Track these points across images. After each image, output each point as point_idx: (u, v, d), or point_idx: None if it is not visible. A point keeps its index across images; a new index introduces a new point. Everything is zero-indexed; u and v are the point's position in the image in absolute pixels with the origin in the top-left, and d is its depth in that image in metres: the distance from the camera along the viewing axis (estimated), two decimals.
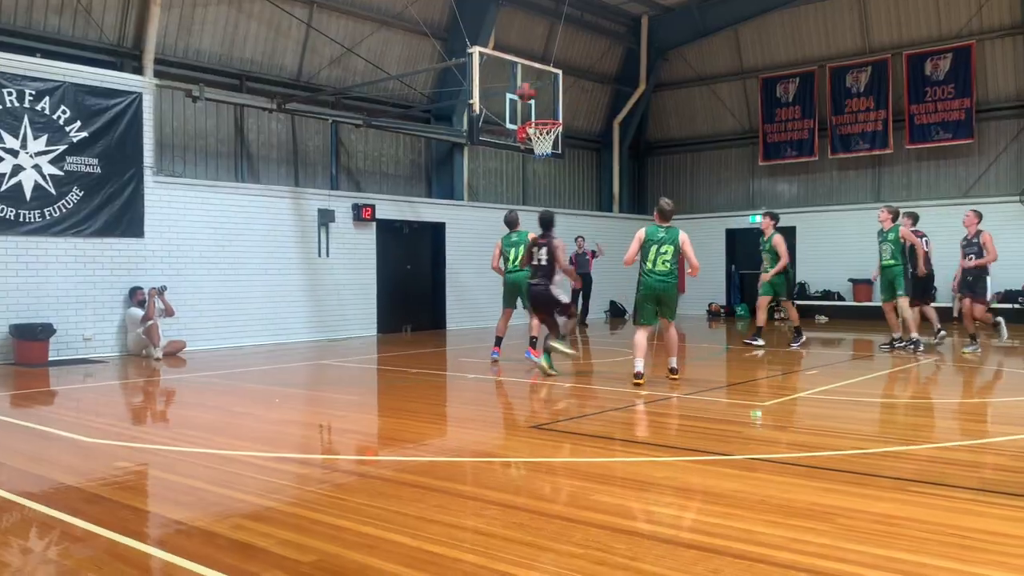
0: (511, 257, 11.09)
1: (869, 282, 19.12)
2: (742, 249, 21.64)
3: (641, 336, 9.07)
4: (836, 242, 19.82)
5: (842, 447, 5.78)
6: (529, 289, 10.13)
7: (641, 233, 9.09)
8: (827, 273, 19.91)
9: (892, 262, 12.22)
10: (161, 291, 12.25)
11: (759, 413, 7.33)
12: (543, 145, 12.33)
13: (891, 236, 12.30)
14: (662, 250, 8.89)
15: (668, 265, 8.91)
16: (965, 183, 18.71)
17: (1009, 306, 17.17)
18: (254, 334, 13.95)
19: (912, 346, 12.03)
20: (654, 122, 23.70)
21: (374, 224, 15.83)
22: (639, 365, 8.86)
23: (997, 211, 17.75)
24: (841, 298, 19.62)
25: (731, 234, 21.74)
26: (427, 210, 17.12)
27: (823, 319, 19.12)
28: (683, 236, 8.99)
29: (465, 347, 13.37)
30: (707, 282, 21.30)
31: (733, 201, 22.21)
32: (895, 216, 12.43)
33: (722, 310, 21.27)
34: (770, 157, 21.17)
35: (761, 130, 21.18)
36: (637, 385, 8.65)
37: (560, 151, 12.92)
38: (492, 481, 5.03)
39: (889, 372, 10.45)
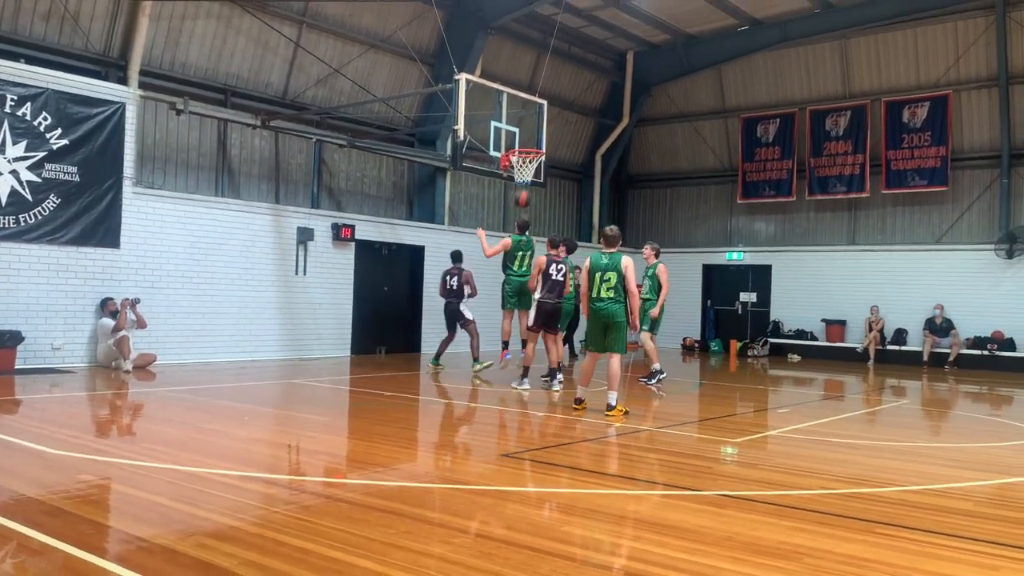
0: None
1: (843, 322, 19.42)
2: (718, 285, 21.83)
3: (588, 361, 9.24)
4: (811, 282, 20.04)
5: (811, 486, 5.81)
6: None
7: (587, 262, 9.13)
8: (801, 312, 20.11)
9: (647, 296, 11.94)
10: (134, 303, 12.13)
11: (731, 449, 7.36)
12: (525, 173, 12.41)
13: (650, 272, 12.17)
14: (606, 276, 8.90)
15: (612, 292, 8.87)
16: (939, 229, 19.02)
17: (978, 352, 17.41)
18: (226, 350, 13.82)
19: (656, 378, 11.90)
20: (636, 156, 23.92)
21: (353, 244, 15.80)
22: (581, 392, 9.14)
23: (970, 259, 18.09)
24: (814, 338, 19.80)
25: (708, 270, 21.92)
26: (407, 232, 17.12)
27: (796, 358, 19.27)
28: (626, 261, 8.95)
29: (441, 372, 13.31)
30: (682, 317, 21.45)
31: (711, 237, 22.41)
32: (657, 254, 12.27)
33: (696, 344, 21.38)
34: (748, 196, 21.41)
35: (741, 169, 21.44)
36: (577, 411, 8.91)
37: (542, 180, 13.01)
38: (461, 508, 5.00)
39: (859, 413, 10.53)
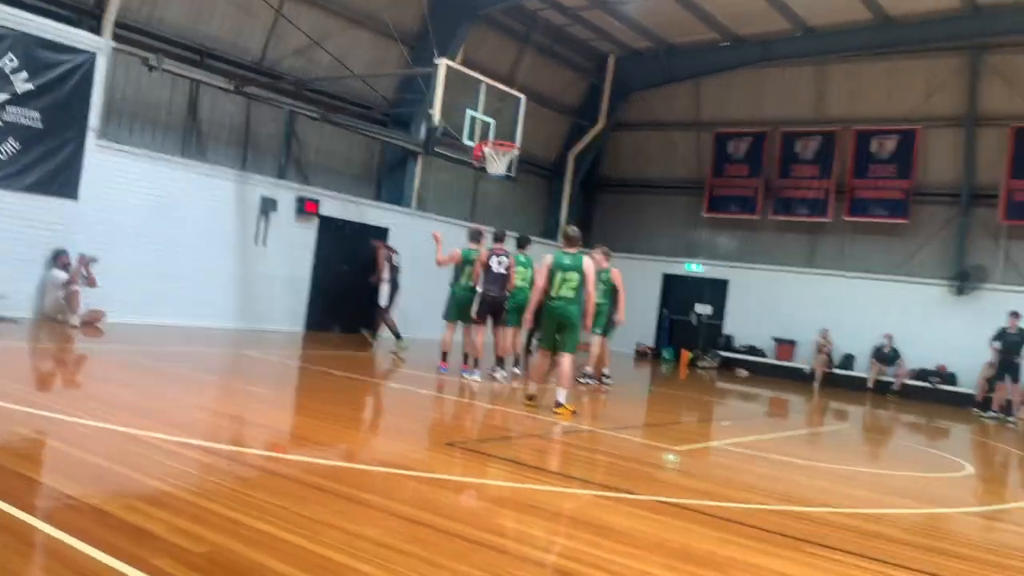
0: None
1: (793, 343, 19.72)
2: (676, 294, 22.03)
3: (542, 358, 9.23)
4: (766, 300, 20.32)
5: (745, 500, 5.90)
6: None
7: (548, 259, 9.05)
8: (753, 329, 20.38)
9: (602, 301, 11.61)
10: (90, 261, 11.89)
11: (672, 456, 7.45)
12: (498, 166, 12.41)
13: (603, 276, 11.76)
14: (567, 276, 8.87)
15: (572, 292, 8.86)
16: (895, 261, 19.38)
17: (921, 384, 17.80)
18: (178, 314, 13.59)
19: (595, 380, 11.98)
20: (608, 159, 24.02)
21: (316, 220, 15.66)
22: (532, 388, 9.16)
23: (925, 292, 18.48)
24: (764, 355, 20.09)
25: (667, 279, 22.11)
26: (373, 213, 17.01)
27: (744, 373, 19.54)
28: (588, 264, 8.96)
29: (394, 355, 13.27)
30: (638, 323, 21.59)
31: (673, 247, 22.59)
32: (608, 257, 12.06)
33: (649, 351, 21.57)
34: (714, 210, 21.63)
35: (709, 182, 21.64)
36: (529, 406, 8.87)
37: (514, 174, 13.02)
38: (398, 493, 5.00)
39: (800, 433, 10.72)
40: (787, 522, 5.35)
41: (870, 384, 18.07)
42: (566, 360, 8.92)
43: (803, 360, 19.41)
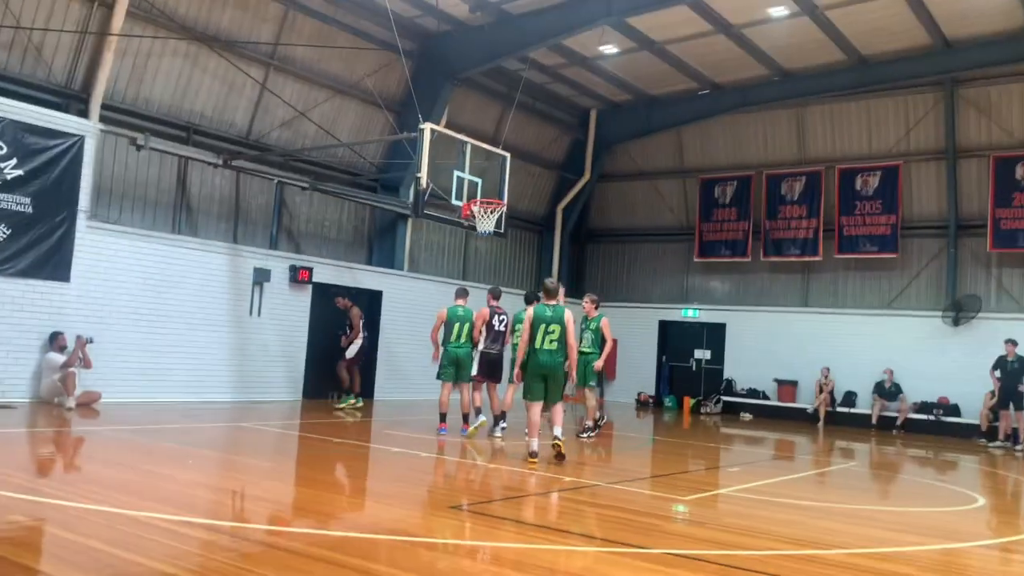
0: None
1: (794, 383, 19.66)
2: (674, 341, 22.01)
3: (535, 412, 9.16)
4: (764, 342, 20.30)
5: (758, 547, 5.81)
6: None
7: (530, 312, 9.26)
8: (754, 372, 20.32)
9: (589, 350, 11.63)
10: (88, 341, 11.86)
11: (681, 507, 7.35)
12: (487, 223, 12.49)
13: (592, 325, 11.79)
14: (550, 329, 9.06)
15: (555, 344, 9.06)
16: (888, 295, 19.46)
17: (925, 417, 17.70)
18: (175, 390, 13.51)
19: (592, 432, 11.79)
20: (596, 211, 24.22)
21: (310, 287, 15.68)
22: (534, 444, 9.01)
23: (918, 325, 18.51)
24: (766, 397, 19.99)
25: (664, 326, 22.10)
26: (366, 277, 17.05)
27: (747, 417, 19.42)
28: (568, 315, 9.15)
29: (392, 419, 13.17)
30: (637, 371, 21.58)
31: (667, 294, 22.66)
32: (597, 306, 11.98)
33: (651, 400, 21.45)
34: (705, 254, 21.74)
35: (698, 228, 21.80)
36: (532, 465, 8.78)
37: (503, 230, 13.09)
38: (406, 561, 4.91)
39: (808, 474, 10.61)
40: (802, 567, 5.26)
41: (874, 420, 17.96)
42: (558, 408, 9.15)
43: (805, 400, 19.31)
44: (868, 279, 19.85)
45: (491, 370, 11.32)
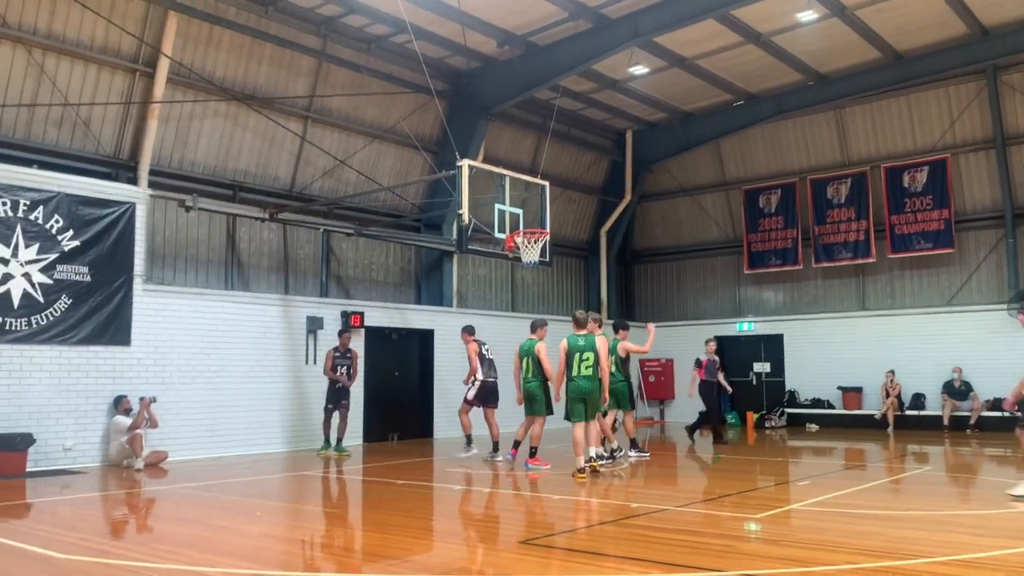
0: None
1: (859, 389, 19.19)
2: (731, 356, 21.64)
3: (579, 432, 10.08)
4: (824, 350, 19.90)
5: (836, 561, 5.64)
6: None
7: (564, 344, 10.26)
8: (816, 381, 19.90)
9: (616, 374, 11.79)
10: (152, 401, 12.11)
11: (754, 525, 7.19)
12: (531, 254, 12.49)
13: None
14: (584, 357, 10.08)
15: (590, 370, 10.08)
16: (948, 292, 18.97)
17: (999, 414, 17.11)
18: (238, 444, 13.70)
19: (611, 459, 11.60)
20: (640, 231, 24.11)
21: (363, 331, 15.82)
22: (581, 461, 10.01)
23: (982, 319, 17.98)
24: (831, 406, 19.54)
25: (719, 341, 21.66)
26: (416, 317, 17.17)
27: (814, 427, 19.00)
28: (600, 342, 10.19)
29: (452, 456, 13.15)
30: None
31: (720, 309, 22.39)
32: (600, 324, 11.41)
33: None
34: (755, 266, 21.47)
35: (745, 239, 21.55)
36: (581, 481, 9.74)
37: (548, 259, 13.09)
38: None
39: (882, 482, 10.31)
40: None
41: (945, 421, 17.44)
42: (593, 427, 10.32)
43: (872, 406, 18.84)
44: (925, 277, 19.39)
45: (489, 397, 12.36)
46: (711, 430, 15.60)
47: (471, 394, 12.45)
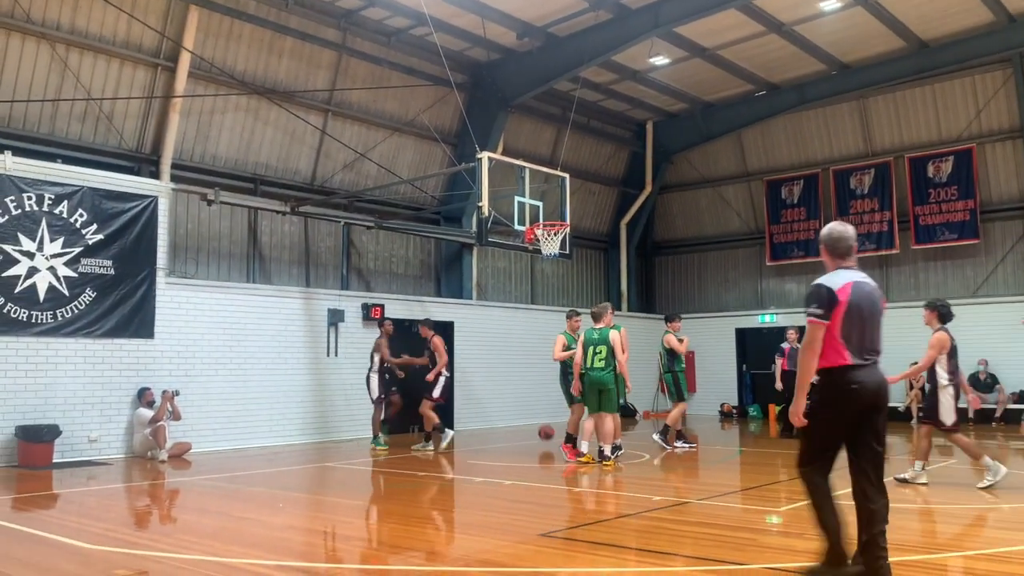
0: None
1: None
2: (753, 348, 21.53)
3: (588, 423, 10.87)
4: None
5: None
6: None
7: (582, 338, 10.81)
8: None
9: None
10: (174, 394, 12.21)
11: (777, 518, 7.14)
12: (551, 246, 12.47)
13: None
14: (597, 350, 10.55)
15: (603, 362, 10.49)
16: (973, 283, 18.74)
17: None
18: (260, 436, 13.80)
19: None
20: (661, 223, 23.99)
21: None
22: (584, 447, 10.88)
23: (1008, 311, 17.74)
24: None
25: (741, 333, 21.66)
26: (436, 309, 17.18)
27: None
28: (612, 335, 10.55)
29: (473, 448, 13.17)
30: (718, 382, 21.17)
31: (742, 301, 22.24)
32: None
33: (734, 410, 21.01)
34: (777, 257, 21.32)
35: (768, 230, 21.40)
36: (583, 463, 10.57)
37: (568, 251, 13.06)
38: None
39: (908, 474, 10.20)
40: (913, 573, 5.04)
41: (971, 414, 17.19)
42: (608, 419, 10.52)
43: (896, 398, 18.65)
44: (950, 268, 19.16)
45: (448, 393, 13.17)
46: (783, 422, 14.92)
47: (437, 392, 12.82)
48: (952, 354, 8.83)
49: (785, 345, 15.26)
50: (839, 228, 5.07)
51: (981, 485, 8.51)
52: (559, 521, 7.50)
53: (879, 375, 4.83)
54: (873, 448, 4.72)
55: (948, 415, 8.69)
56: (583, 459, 10.72)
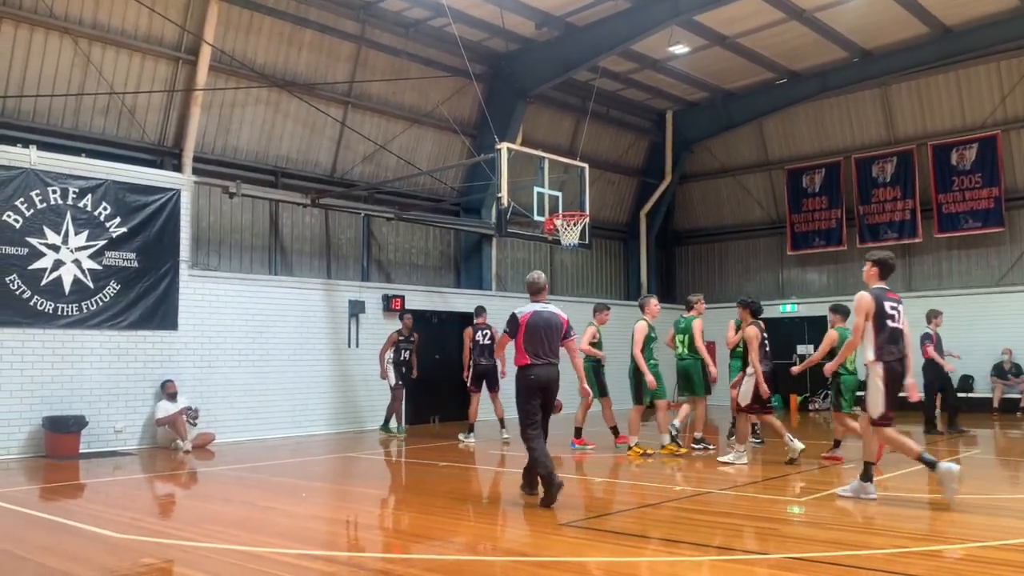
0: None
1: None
2: (774, 338, 21.26)
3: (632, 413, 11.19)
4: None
5: (883, 545, 5.58)
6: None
7: (672, 329, 11.64)
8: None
9: (683, 354, 11.58)
10: (195, 415, 12.35)
11: (798, 509, 7.13)
12: (570, 236, 12.46)
13: (682, 325, 11.61)
14: (680, 338, 11.48)
15: (684, 349, 11.42)
16: (997, 271, 18.53)
17: None
18: (282, 426, 13.93)
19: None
20: (681, 212, 23.89)
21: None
22: (633, 440, 10.96)
23: None
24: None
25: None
26: (456, 300, 17.24)
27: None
28: (636, 327, 10.94)
29: (494, 439, 13.22)
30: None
31: (763, 290, 22.10)
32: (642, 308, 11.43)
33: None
34: (798, 247, 21.18)
35: (789, 220, 21.26)
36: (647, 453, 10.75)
37: (587, 242, 13.05)
38: None
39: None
40: (933, 563, 5.03)
41: (995, 404, 17.10)
42: (699, 405, 11.61)
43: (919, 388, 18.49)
44: (974, 256, 18.96)
45: (486, 380, 12.92)
46: (949, 414, 13.84)
47: (469, 381, 13.09)
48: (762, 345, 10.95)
49: (931, 330, 13.81)
50: None
51: (723, 459, 9.95)
52: (580, 511, 7.53)
53: None
54: None
55: (745, 399, 10.41)
56: (639, 449, 10.73)
